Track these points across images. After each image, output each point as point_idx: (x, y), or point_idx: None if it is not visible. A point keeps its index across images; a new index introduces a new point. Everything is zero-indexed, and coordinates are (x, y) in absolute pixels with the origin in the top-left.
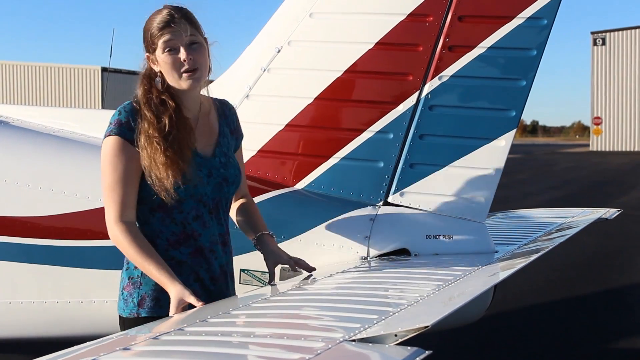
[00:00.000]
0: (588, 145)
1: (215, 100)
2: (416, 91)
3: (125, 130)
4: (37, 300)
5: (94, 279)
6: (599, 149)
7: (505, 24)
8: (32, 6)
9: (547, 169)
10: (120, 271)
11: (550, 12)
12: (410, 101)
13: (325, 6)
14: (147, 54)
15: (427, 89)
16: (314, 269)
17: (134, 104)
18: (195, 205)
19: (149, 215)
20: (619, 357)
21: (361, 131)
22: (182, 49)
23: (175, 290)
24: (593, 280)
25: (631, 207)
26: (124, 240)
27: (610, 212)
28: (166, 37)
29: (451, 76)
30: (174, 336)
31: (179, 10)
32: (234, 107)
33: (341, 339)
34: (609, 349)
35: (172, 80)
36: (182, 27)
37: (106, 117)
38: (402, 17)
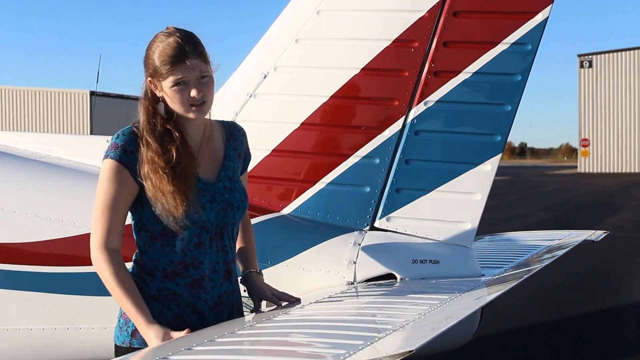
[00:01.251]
0: (576, 167)
1: (222, 123)
2: (402, 116)
3: (121, 154)
4: (23, 327)
5: (81, 305)
6: (586, 171)
7: (490, 49)
8: (19, 29)
9: (535, 190)
10: (104, 297)
11: (534, 38)
12: (396, 126)
13: (311, 32)
14: (150, 78)
15: (412, 114)
16: (299, 301)
17: (134, 129)
18: (197, 232)
19: (149, 244)
20: None
21: (347, 156)
22: (192, 85)
23: (153, 332)
24: (582, 301)
25: (619, 229)
26: (106, 269)
27: (597, 234)
28: (179, 74)
29: (437, 101)
30: None
31: (190, 42)
32: (244, 129)
33: None
34: None
35: (177, 110)
36: (194, 64)
37: (93, 142)
38: (388, 43)
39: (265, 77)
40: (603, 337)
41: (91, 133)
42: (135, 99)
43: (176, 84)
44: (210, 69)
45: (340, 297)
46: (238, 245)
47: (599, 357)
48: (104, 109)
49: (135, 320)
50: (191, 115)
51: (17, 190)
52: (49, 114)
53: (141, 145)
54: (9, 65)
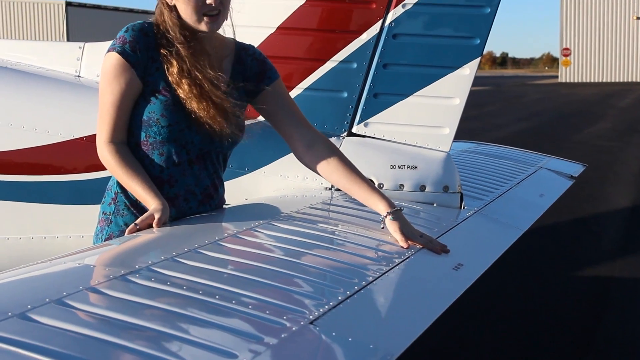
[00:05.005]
0: (557, 77)
1: (236, 43)
2: (379, 19)
3: (129, 51)
4: None
5: (57, 214)
6: (568, 81)
7: None
8: None
9: (516, 100)
10: (81, 206)
11: None
12: (374, 30)
13: None
14: None
15: (390, 17)
16: (448, 251)
17: (146, 25)
18: (177, 150)
19: (134, 149)
20: (583, 285)
21: (324, 61)
22: None
23: (154, 204)
24: (561, 209)
25: (598, 137)
26: (112, 159)
27: (575, 169)
28: None
29: (415, 4)
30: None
31: None
32: (258, 52)
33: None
34: (575, 277)
35: (188, 20)
36: None
37: (65, 49)
38: None
39: None
40: (578, 244)
41: None
42: (113, 9)
43: None
44: None
45: (319, 211)
46: (345, 181)
47: (573, 264)
48: (80, 20)
49: (143, 198)
50: (203, 27)
51: None
52: (23, 25)
53: (164, 44)
54: None
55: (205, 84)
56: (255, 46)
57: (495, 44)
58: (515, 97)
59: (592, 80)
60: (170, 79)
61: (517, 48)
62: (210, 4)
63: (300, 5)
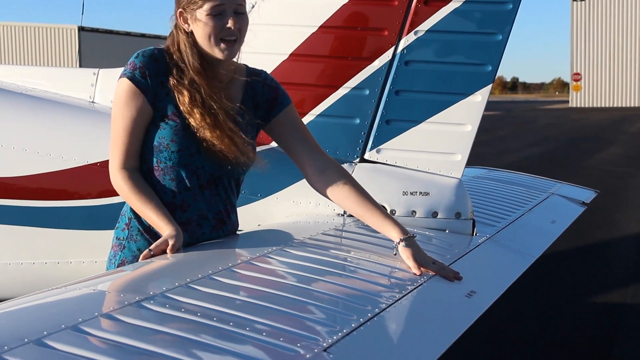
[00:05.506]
0: (568, 101)
1: (248, 69)
2: (392, 46)
3: (139, 77)
4: (13, 261)
5: (70, 239)
6: (578, 105)
7: None
8: None
9: (526, 125)
10: (94, 232)
11: None
12: (386, 57)
13: None
14: (181, 10)
15: (402, 44)
16: (461, 278)
17: (156, 52)
18: (188, 175)
19: (147, 175)
20: (595, 312)
21: (337, 87)
22: (229, 15)
23: (167, 230)
24: (572, 235)
25: (609, 163)
26: (124, 186)
27: (586, 195)
28: (217, 0)
29: (427, 31)
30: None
31: None
32: (270, 78)
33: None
34: (587, 304)
35: (205, 45)
36: None
37: (79, 75)
38: None
39: (253, 7)
40: (590, 271)
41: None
42: (125, 34)
43: (213, 11)
44: (245, 8)
45: (332, 236)
46: (358, 207)
47: (588, 290)
48: (92, 44)
49: (156, 224)
50: (218, 54)
51: (3, 124)
52: (37, 50)
53: (175, 72)
54: None
55: (219, 114)
56: (268, 72)
57: (505, 69)
58: (526, 122)
59: (602, 105)
60: (181, 108)
61: (528, 73)
62: (230, 28)
63: (313, 32)
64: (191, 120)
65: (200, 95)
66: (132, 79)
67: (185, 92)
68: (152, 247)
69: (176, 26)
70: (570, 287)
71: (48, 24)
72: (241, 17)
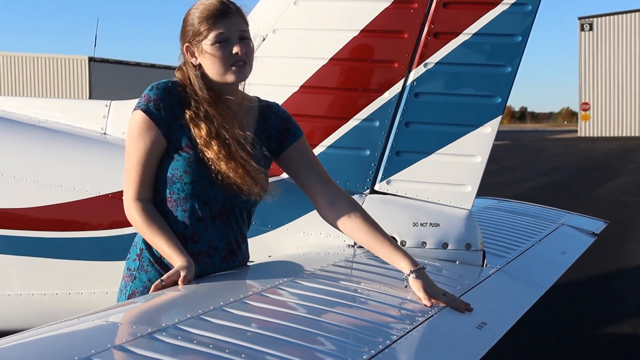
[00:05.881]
0: (576, 131)
1: (260, 101)
2: (402, 78)
3: (153, 109)
4: (24, 292)
5: (81, 270)
6: (587, 135)
7: (490, 10)
8: None
9: (535, 155)
10: (105, 262)
11: None
12: (396, 88)
13: None
14: (187, 44)
15: (412, 76)
16: (471, 309)
17: (169, 85)
18: (200, 206)
19: (160, 207)
20: (606, 343)
21: (347, 119)
22: (234, 42)
23: (179, 261)
24: (582, 266)
25: (618, 192)
26: (138, 217)
27: (596, 226)
28: (221, 29)
29: (436, 63)
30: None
31: (232, 2)
32: (282, 110)
33: None
34: (597, 335)
35: (215, 74)
36: (237, 20)
37: (91, 107)
38: (387, 4)
39: (264, 39)
40: (601, 301)
41: (90, 99)
42: (135, 64)
43: (218, 40)
44: (250, 34)
45: (343, 268)
46: (368, 239)
47: (597, 321)
48: (102, 74)
49: (168, 255)
50: (230, 78)
51: (16, 155)
52: (47, 80)
53: (189, 105)
54: (7, 32)
55: (232, 144)
56: (280, 104)
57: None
58: (535, 152)
59: (611, 135)
60: (198, 141)
61: (536, 102)
62: (237, 54)
63: (324, 65)
64: (207, 153)
65: (215, 127)
66: (146, 111)
67: (203, 125)
68: (163, 277)
69: (184, 61)
70: (580, 317)
71: (58, 55)
72: (246, 43)
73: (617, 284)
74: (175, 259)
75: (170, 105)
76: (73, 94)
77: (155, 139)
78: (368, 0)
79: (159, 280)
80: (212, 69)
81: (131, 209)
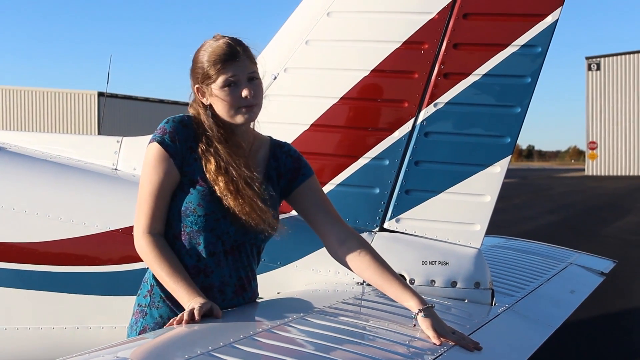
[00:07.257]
0: (584, 169)
1: (271, 141)
2: (412, 118)
3: (168, 142)
4: (33, 326)
5: (91, 305)
6: (594, 174)
7: (500, 51)
8: (27, 30)
9: (543, 193)
10: (114, 297)
11: (544, 40)
12: (406, 128)
13: (321, 34)
14: (198, 85)
15: (422, 115)
16: (480, 348)
17: (185, 118)
18: (213, 240)
19: (172, 242)
20: None
21: (357, 157)
22: (243, 85)
23: (193, 302)
24: (591, 304)
25: (626, 231)
26: (149, 252)
27: (605, 265)
28: (229, 73)
29: (446, 103)
30: None
31: (239, 43)
32: (293, 149)
33: None
34: None
35: (225, 115)
36: (244, 63)
37: (102, 143)
38: (398, 45)
39: (275, 78)
40: (610, 340)
41: (99, 133)
42: (144, 99)
43: (227, 83)
44: (259, 74)
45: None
46: (377, 277)
47: None
48: (111, 109)
49: (177, 295)
50: (239, 119)
51: (28, 190)
52: (57, 114)
53: (202, 140)
54: (18, 66)
55: (239, 182)
56: (290, 142)
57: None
58: (542, 190)
59: (619, 174)
60: (207, 175)
61: (543, 141)
62: (246, 97)
63: (334, 104)
64: (216, 188)
65: (224, 163)
66: (161, 142)
67: (212, 160)
68: (185, 316)
69: (195, 100)
70: (589, 357)
71: (68, 90)
72: (255, 83)
73: (626, 323)
74: (185, 300)
75: (186, 139)
76: (82, 128)
77: (169, 170)
78: (379, 41)
79: (173, 319)
80: (222, 110)
81: (142, 242)
